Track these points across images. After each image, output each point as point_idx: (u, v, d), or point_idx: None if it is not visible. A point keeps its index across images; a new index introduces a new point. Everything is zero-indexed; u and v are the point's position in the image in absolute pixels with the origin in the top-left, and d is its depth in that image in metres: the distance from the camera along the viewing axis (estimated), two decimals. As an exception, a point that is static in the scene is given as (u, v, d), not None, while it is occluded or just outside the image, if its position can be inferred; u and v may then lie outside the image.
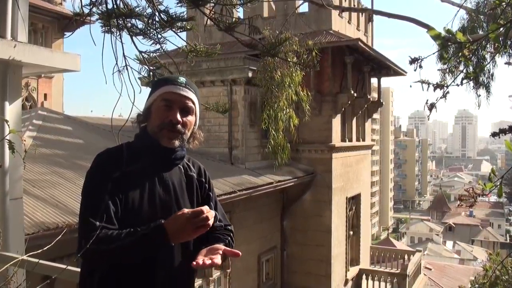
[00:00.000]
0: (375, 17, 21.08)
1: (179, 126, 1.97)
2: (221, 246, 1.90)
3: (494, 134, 2.34)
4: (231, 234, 2.13)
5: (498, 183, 2.04)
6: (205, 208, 1.71)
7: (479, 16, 10.30)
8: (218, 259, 1.79)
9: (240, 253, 1.86)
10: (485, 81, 11.33)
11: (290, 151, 14.45)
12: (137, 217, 1.85)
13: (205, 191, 2.15)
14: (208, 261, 1.77)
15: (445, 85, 2.24)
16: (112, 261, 1.79)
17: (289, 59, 12.14)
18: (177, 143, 1.98)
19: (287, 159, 14.35)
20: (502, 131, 2.25)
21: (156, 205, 1.92)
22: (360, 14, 19.56)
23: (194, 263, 1.76)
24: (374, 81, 21.32)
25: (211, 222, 1.71)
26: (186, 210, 1.71)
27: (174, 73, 3.48)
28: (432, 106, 2.27)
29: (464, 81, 2.20)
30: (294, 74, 13.77)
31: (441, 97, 2.27)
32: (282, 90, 13.75)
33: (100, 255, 1.75)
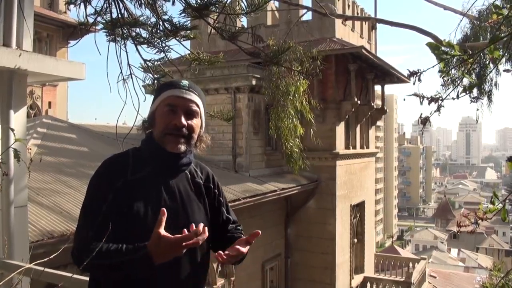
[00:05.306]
0: (378, 24, 21.11)
1: (184, 129, 1.92)
2: (241, 238, 1.96)
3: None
4: (242, 232, 2.18)
5: (501, 206, 2.00)
6: (199, 228, 1.68)
7: (482, 24, 10.28)
8: (244, 249, 1.88)
9: (260, 232, 1.91)
10: (486, 89, 11.26)
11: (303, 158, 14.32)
12: (143, 225, 1.82)
13: (214, 197, 2.12)
14: (234, 252, 1.85)
15: (440, 98, 2.23)
16: (103, 275, 1.81)
17: (293, 68, 12.11)
18: (182, 148, 1.93)
19: (303, 166, 14.26)
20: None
21: None
22: (364, 22, 19.60)
23: (224, 256, 1.79)
24: (377, 88, 21.34)
25: (202, 237, 1.67)
26: (163, 233, 1.65)
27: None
28: (425, 120, 2.28)
29: (461, 94, 2.20)
30: (299, 83, 13.75)
31: (435, 111, 2.27)
32: (287, 99, 13.73)
33: (95, 268, 1.77)
